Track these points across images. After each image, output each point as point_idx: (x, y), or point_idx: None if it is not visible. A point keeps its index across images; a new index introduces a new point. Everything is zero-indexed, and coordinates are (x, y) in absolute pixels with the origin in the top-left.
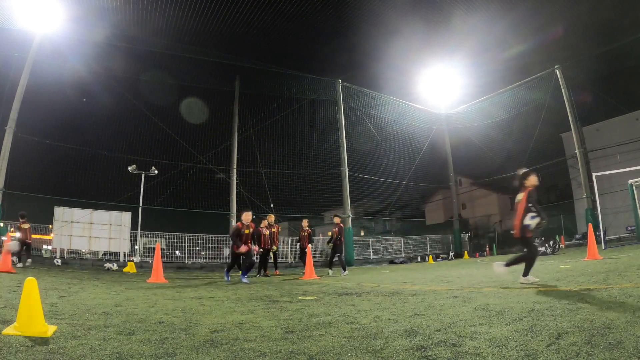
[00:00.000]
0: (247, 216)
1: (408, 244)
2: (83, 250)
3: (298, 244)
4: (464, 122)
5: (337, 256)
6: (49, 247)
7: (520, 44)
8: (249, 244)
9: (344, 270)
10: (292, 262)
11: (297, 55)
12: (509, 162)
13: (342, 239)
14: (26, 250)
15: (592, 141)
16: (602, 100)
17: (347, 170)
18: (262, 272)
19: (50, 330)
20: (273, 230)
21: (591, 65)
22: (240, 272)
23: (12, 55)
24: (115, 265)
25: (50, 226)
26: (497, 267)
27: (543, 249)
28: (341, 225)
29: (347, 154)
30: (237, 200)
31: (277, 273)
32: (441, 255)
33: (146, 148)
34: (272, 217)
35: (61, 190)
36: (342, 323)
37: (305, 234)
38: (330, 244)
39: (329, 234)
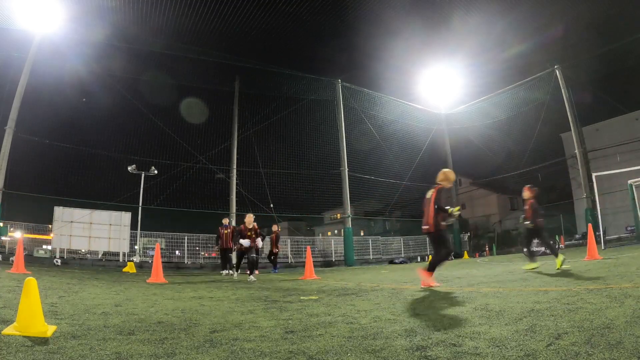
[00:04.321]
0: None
1: (408, 244)
2: (83, 250)
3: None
4: (464, 122)
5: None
6: (49, 247)
7: (520, 44)
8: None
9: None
10: (291, 262)
11: (297, 55)
12: (509, 162)
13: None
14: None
15: (592, 141)
16: (602, 100)
17: (347, 170)
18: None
19: (50, 330)
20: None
21: (591, 65)
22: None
23: (12, 55)
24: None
25: (50, 226)
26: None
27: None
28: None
29: (347, 154)
30: (236, 200)
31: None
32: None
33: (146, 148)
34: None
35: (61, 190)
36: (342, 323)
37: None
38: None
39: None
